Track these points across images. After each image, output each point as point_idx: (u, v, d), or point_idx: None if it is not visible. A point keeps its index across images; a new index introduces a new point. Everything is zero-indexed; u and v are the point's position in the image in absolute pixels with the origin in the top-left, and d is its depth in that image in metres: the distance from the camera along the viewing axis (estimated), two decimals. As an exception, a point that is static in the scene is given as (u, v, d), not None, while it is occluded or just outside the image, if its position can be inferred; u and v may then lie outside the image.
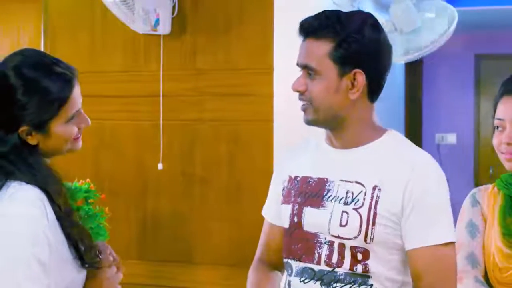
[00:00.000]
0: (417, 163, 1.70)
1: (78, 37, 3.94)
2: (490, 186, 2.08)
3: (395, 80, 5.80)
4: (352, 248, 1.68)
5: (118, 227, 3.58)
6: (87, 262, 1.66)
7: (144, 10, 3.59)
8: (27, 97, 1.61)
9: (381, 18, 3.04)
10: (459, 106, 7.13)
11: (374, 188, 1.69)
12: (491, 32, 6.80)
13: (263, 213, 1.96)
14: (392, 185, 1.68)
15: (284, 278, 1.86)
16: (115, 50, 3.88)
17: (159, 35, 3.72)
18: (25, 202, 1.56)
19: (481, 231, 2.01)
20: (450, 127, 7.14)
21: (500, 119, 1.98)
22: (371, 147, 1.75)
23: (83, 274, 1.67)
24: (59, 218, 1.60)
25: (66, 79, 1.65)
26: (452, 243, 1.69)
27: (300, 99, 1.75)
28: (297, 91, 1.74)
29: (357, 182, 1.71)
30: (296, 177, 1.82)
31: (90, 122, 1.74)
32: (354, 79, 1.70)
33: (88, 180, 3.23)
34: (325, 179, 1.75)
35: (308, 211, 1.75)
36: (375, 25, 1.73)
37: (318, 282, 1.72)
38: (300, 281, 1.75)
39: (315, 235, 1.73)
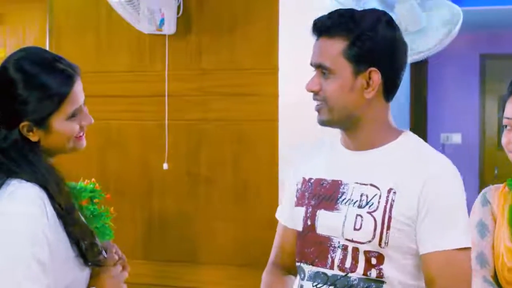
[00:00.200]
0: (433, 166, 1.66)
1: (84, 37, 3.95)
2: (501, 185, 2.06)
3: (400, 80, 5.78)
4: (366, 252, 1.64)
5: (123, 227, 3.59)
6: (90, 260, 1.65)
7: (149, 10, 3.59)
8: (27, 91, 1.60)
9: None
10: (464, 106, 7.11)
11: (389, 191, 1.64)
12: (496, 32, 6.79)
13: (277, 215, 1.92)
14: (408, 188, 1.63)
15: (296, 282, 1.82)
16: (120, 50, 3.89)
17: (164, 35, 3.72)
18: (24, 200, 1.55)
19: (491, 230, 2.00)
20: (455, 127, 7.12)
21: (508, 118, 1.97)
22: (386, 149, 1.71)
23: (86, 272, 1.66)
24: (60, 216, 1.59)
25: (66, 75, 1.64)
26: (467, 248, 1.63)
27: (314, 99, 1.70)
28: (311, 91, 1.70)
29: (372, 185, 1.67)
30: (310, 179, 1.78)
31: (92, 120, 1.72)
32: (369, 77, 1.65)
33: (93, 180, 3.24)
34: (339, 182, 1.71)
35: (321, 214, 1.71)
36: (390, 23, 1.69)
37: (331, 287, 1.68)
38: (313, 286, 1.71)
39: (329, 238, 1.69)
